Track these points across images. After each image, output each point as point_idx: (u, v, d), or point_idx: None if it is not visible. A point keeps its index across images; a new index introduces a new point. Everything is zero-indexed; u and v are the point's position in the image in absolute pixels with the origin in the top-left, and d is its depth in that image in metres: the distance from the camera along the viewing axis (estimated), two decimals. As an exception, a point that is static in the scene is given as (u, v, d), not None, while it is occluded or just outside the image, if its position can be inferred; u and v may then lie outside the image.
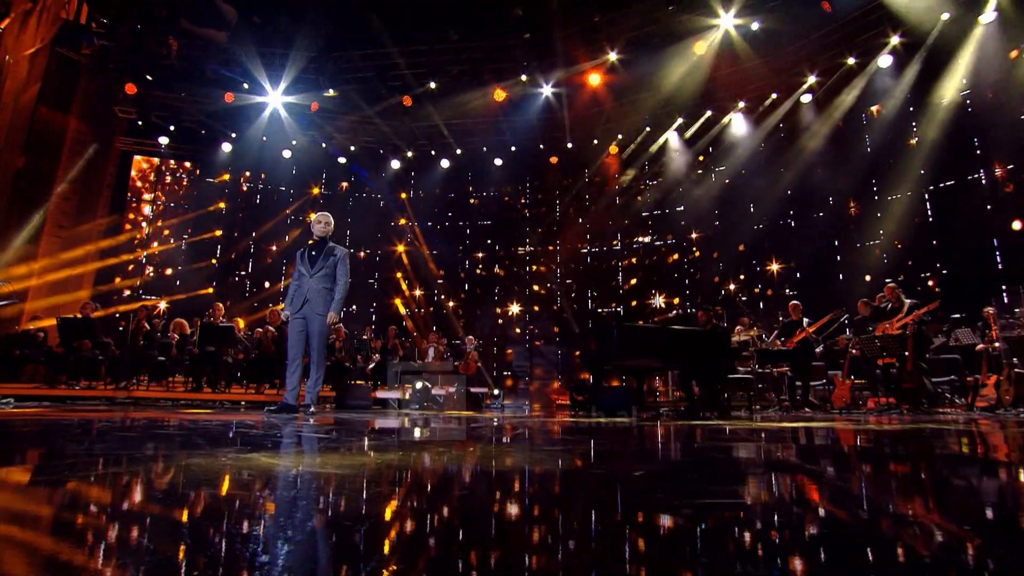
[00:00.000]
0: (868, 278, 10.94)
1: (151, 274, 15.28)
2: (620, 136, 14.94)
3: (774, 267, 13.21)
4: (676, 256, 15.08)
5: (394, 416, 6.28)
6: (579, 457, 2.27)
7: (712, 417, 6.86)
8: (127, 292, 14.69)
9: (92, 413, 4.67)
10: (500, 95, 13.86)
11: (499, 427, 4.32)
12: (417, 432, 3.68)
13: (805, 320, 9.38)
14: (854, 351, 8.79)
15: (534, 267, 16.66)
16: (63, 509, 1.17)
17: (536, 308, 16.37)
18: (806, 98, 12.14)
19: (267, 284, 16.25)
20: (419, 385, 10.18)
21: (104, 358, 8.19)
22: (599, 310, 15.77)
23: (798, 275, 12.67)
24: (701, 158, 14.32)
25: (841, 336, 9.48)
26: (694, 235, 14.72)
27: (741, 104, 13.10)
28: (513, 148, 15.76)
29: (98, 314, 8.65)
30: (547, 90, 13.71)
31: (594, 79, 13.12)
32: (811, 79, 11.87)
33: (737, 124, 13.34)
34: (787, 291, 12.74)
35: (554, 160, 15.96)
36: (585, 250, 16.25)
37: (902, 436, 3.43)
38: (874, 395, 8.62)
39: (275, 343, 8.66)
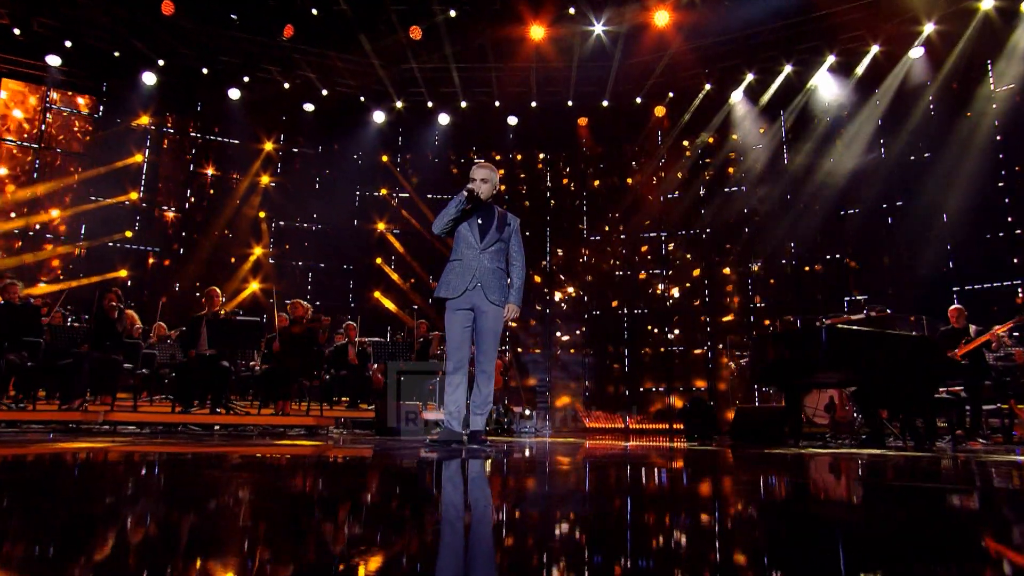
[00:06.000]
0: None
1: (29, 250, 11.75)
2: (672, 95, 13.25)
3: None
4: (732, 244, 13.62)
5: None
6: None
7: (919, 447, 6.05)
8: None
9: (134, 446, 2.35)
10: (538, 32, 11.73)
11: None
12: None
13: (972, 328, 8.14)
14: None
15: (559, 251, 14.67)
16: None
17: (564, 303, 14.42)
18: (916, 52, 10.97)
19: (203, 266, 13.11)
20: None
21: (34, 364, 5.64)
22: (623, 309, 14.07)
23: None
24: (776, 123, 12.91)
25: (1019, 349, 8.28)
26: (755, 234, 13.26)
27: (831, 58, 11.77)
28: (534, 104, 13.66)
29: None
30: (598, 28, 11.74)
31: (661, 18, 11.32)
32: (928, 27, 10.69)
33: (824, 85, 12.01)
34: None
35: (583, 122, 14.02)
36: (618, 237, 14.46)
37: None
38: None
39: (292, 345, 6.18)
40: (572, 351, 14.12)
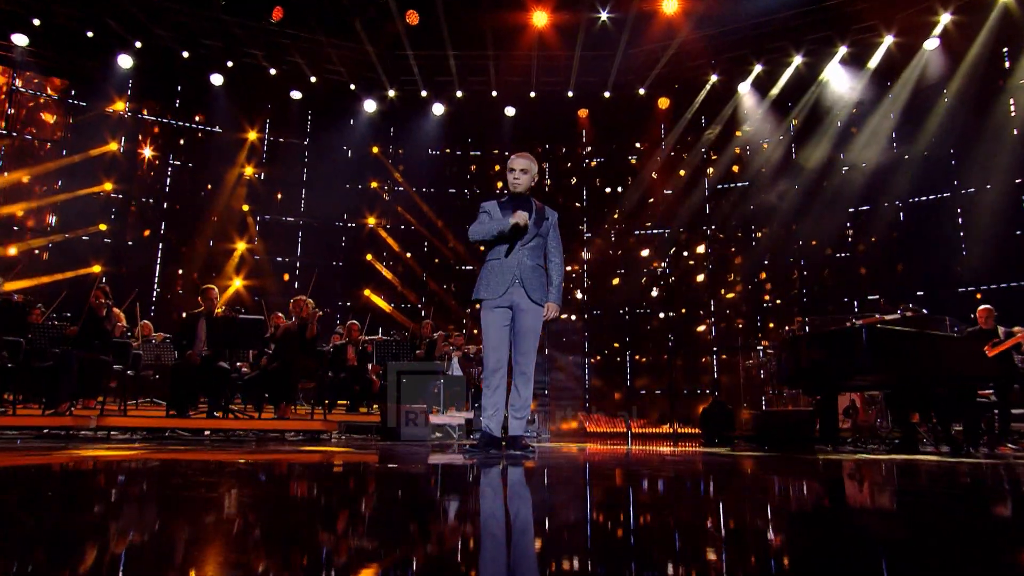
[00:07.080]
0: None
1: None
2: (677, 86, 12.91)
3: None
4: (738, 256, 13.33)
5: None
6: None
7: (956, 453, 5.88)
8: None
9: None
10: (541, 18, 11.30)
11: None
12: None
13: (1001, 329, 7.92)
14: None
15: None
16: None
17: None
18: (932, 44, 10.74)
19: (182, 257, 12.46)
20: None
21: (14, 365, 5.28)
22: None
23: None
24: (785, 117, 12.63)
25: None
26: (761, 229, 12.98)
27: (842, 49, 11.51)
28: (533, 94, 13.22)
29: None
30: (603, 15, 11.34)
31: (670, 5, 10.96)
32: (944, 18, 10.46)
33: (836, 77, 11.76)
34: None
35: (583, 113, 13.64)
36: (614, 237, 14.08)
37: None
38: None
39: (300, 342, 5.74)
40: (572, 353, 13.75)
